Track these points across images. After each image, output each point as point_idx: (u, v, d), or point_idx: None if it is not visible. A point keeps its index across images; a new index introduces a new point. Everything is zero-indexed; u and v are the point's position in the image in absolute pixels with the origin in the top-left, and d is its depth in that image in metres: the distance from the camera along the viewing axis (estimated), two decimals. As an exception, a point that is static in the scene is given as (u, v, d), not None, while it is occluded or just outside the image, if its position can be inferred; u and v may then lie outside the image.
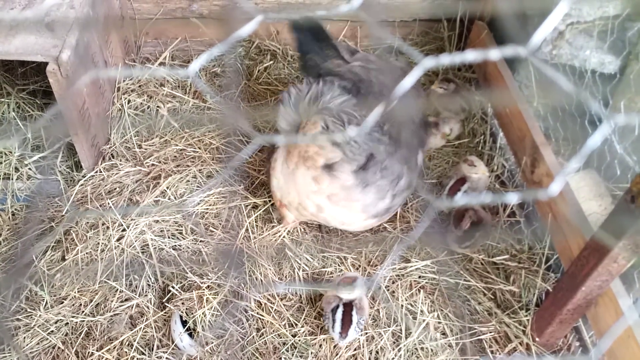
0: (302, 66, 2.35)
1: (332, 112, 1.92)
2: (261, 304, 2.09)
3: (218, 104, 2.56)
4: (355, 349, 2.04)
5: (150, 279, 2.10)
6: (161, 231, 2.22)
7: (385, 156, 1.99)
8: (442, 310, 2.13)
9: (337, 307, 1.96)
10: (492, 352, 2.07)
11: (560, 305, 1.94)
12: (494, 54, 0.60)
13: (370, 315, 2.11)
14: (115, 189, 2.35)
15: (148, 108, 2.64)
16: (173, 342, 1.97)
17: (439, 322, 2.10)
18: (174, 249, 2.18)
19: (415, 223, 2.38)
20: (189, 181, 2.38)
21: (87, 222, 2.20)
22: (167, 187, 2.33)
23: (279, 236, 2.28)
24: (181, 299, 2.02)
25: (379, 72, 2.22)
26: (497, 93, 2.61)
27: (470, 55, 0.60)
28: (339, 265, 2.24)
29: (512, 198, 0.73)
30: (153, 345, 1.99)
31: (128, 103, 2.62)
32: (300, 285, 2.16)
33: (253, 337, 2.02)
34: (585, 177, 2.29)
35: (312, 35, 2.27)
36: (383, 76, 2.20)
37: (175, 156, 2.49)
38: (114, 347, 1.97)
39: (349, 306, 1.96)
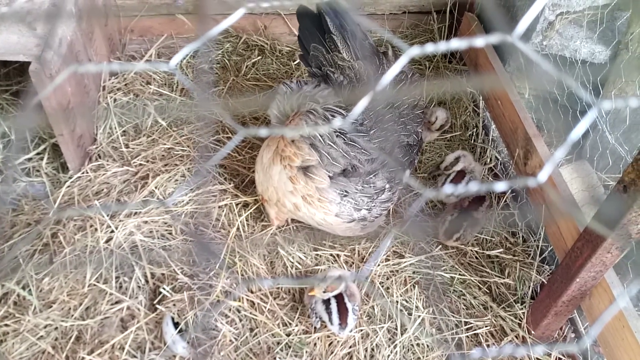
0: (304, 55, 2.32)
1: (318, 113, 1.93)
2: (254, 304, 2.06)
3: (202, 100, 2.52)
4: (350, 347, 2.02)
5: (140, 280, 2.07)
6: (150, 232, 2.19)
7: (368, 168, 1.99)
8: (437, 305, 2.12)
9: (329, 300, 1.95)
10: (488, 346, 2.05)
11: (555, 297, 1.92)
12: (479, 41, 0.57)
13: (365, 312, 2.09)
14: (102, 190, 2.31)
15: (135, 106, 2.60)
16: (165, 344, 1.95)
17: (435, 318, 2.09)
18: (163, 250, 2.15)
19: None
20: (177, 180, 2.34)
21: (75, 225, 2.16)
22: (156, 187, 2.29)
23: (271, 234, 2.25)
24: (172, 301, 1.99)
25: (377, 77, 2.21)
26: (489, 84, 2.59)
27: (455, 44, 0.57)
28: (332, 262, 2.21)
29: (500, 186, 0.71)
30: (145, 347, 1.96)
31: (114, 102, 2.58)
32: (288, 281, 2.14)
33: (246, 337, 2.00)
34: (578, 168, 2.28)
35: (317, 25, 2.23)
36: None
37: (163, 155, 2.45)
38: (105, 351, 1.94)
39: (340, 296, 1.96)
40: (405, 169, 2.20)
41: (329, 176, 1.96)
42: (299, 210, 2.03)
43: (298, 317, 2.06)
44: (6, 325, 1.97)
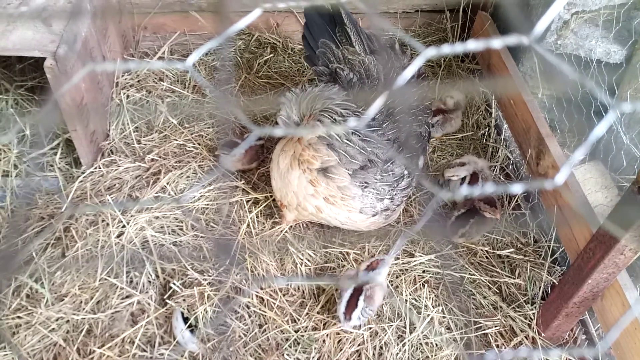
0: (309, 55, 2.32)
1: (333, 111, 1.93)
2: (263, 300, 2.07)
3: (215, 97, 2.53)
4: (359, 344, 2.02)
5: (150, 275, 2.09)
6: (161, 227, 2.20)
7: (384, 158, 1.99)
8: (446, 304, 2.11)
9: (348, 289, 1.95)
10: (497, 346, 2.04)
11: (567, 298, 1.91)
12: (496, 42, 0.57)
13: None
14: (114, 185, 2.33)
15: (147, 103, 2.62)
16: (175, 338, 1.96)
17: (444, 317, 2.08)
18: (174, 245, 2.17)
19: (418, 217, 2.36)
20: (189, 177, 2.35)
21: (87, 219, 2.18)
22: (167, 183, 2.31)
23: (281, 231, 2.26)
24: (182, 296, 2.01)
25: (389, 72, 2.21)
26: (502, 84, 2.57)
27: (472, 45, 0.57)
28: (341, 260, 2.22)
29: (516, 188, 0.70)
30: (154, 342, 1.97)
31: (127, 98, 2.60)
32: (302, 280, 2.14)
33: (255, 333, 2.00)
34: (591, 168, 2.26)
35: (327, 19, 2.23)
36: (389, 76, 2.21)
37: (175, 151, 2.46)
38: (116, 345, 1.96)
39: (358, 291, 1.95)
40: (420, 155, 2.21)
41: (349, 174, 1.96)
42: (322, 212, 2.03)
43: (307, 314, 2.06)
44: (19, 317, 2.00)
